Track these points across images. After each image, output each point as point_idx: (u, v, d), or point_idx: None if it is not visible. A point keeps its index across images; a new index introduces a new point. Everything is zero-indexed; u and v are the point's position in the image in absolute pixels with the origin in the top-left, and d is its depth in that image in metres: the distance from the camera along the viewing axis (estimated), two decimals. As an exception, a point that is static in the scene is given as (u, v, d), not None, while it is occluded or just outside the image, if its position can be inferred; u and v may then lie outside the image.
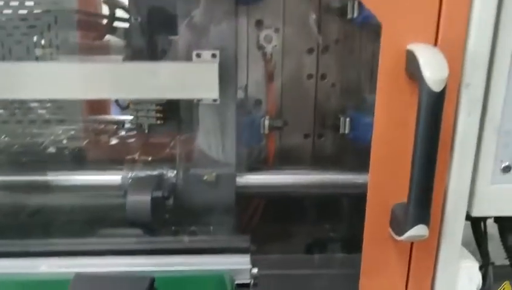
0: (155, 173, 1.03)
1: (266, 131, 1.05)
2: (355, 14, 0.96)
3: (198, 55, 0.94)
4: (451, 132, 0.75)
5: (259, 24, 1.04)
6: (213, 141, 1.04)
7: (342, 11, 0.99)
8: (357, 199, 0.83)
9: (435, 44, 0.71)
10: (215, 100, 0.93)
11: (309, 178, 1.05)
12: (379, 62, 0.72)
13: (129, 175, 1.02)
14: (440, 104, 0.66)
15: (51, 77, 0.90)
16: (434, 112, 0.66)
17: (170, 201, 0.99)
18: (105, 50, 1.18)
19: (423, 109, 0.66)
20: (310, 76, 1.09)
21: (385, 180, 0.77)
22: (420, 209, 0.71)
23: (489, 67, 0.74)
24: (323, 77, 1.09)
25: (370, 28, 0.99)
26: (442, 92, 0.65)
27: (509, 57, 0.74)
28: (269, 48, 1.04)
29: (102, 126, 1.33)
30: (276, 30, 1.04)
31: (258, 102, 1.10)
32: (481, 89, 0.73)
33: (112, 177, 1.03)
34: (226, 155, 1.04)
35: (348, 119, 1.04)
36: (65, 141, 1.24)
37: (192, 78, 0.90)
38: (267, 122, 1.05)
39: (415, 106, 0.69)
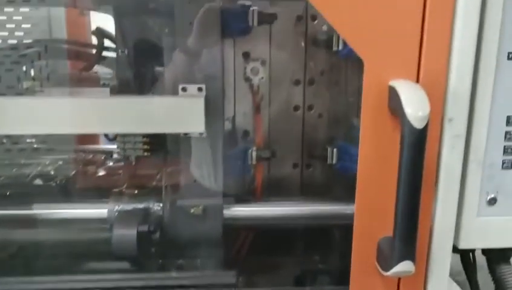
0: (141, 205, 1.02)
1: (254, 162, 1.05)
2: (340, 47, 0.97)
3: (184, 89, 0.94)
4: (435, 166, 0.75)
5: (246, 56, 1.06)
6: (200, 173, 1.04)
7: (328, 44, 1.01)
8: (346, 229, 0.83)
9: (417, 80, 0.72)
10: (201, 133, 0.93)
11: (297, 209, 1.05)
12: (362, 97, 0.73)
13: (116, 208, 1.01)
14: (422, 140, 0.66)
15: (37, 111, 0.90)
16: (417, 149, 0.67)
17: (157, 235, 0.98)
18: (92, 81, 1.19)
19: (406, 146, 0.67)
20: (297, 107, 1.10)
21: (371, 214, 0.77)
22: (406, 245, 0.70)
23: (471, 102, 0.74)
24: (310, 107, 1.09)
25: (356, 60, 1.00)
26: (424, 129, 0.66)
27: (491, 91, 0.76)
28: (255, 80, 1.05)
29: (90, 156, 1.33)
30: (263, 62, 1.05)
31: (246, 133, 1.10)
32: (464, 123, 0.74)
33: (98, 211, 1.02)
34: (213, 187, 1.03)
35: (335, 150, 1.04)
36: (52, 172, 1.23)
37: (178, 113, 0.90)
38: (254, 154, 1.05)
39: (398, 141, 0.70)
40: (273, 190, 1.11)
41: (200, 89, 0.94)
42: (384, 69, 0.72)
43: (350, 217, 0.82)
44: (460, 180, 0.77)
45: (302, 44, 1.05)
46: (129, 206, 1.02)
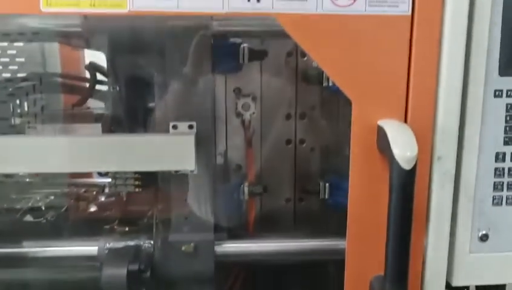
0: (132, 243, 1.01)
1: (246, 197, 1.05)
2: (330, 83, 0.98)
3: (175, 127, 0.94)
4: (425, 204, 0.75)
5: (237, 92, 1.07)
6: (191, 210, 1.04)
7: (318, 79, 1.02)
8: (340, 265, 0.83)
9: (405, 119, 0.73)
10: (192, 171, 0.93)
11: (290, 245, 1.04)
12: (350, 137, 0.73)
13: (106, 245, 1.00)
14: (411, 181, 0.67)
15: (28, 150, 0.90)
16: (405, 189, 0.67)
17: (147, 273, 0.97)
18: (85, 116, 1.19)
19: (395, 186, 0.67)
20: (288, 141, 1.10)
21: (363, 252, 0.77)
22: (397, 285, 0.70)
23: (459, 139, 0.75)
24: (302, 141, 1.10)
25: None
26: (413, 170, 0.66)
27: (479, 128, 0.76)
28: (247, 115, 1.06)
29: (82, 191, 1.32)
30: (254, 98, 1.06)
31: (238, 167, 1.10)
32: (453, 161, 0.75)
33: (89, 248, 1.00)
34: (204, 224, 1.02)
35: (327, 185, 1.04)
36: (43, 208, 1.22)
37: (169, 151, 0.90)
38: (246, 189, 1.04)
39: (387, 180, 0.70)
40: (266, 225, 1.10)
41: (190, 127, 0.94)
42: (372, 109, 0.72)
43: (343, 252, 0.82)
44: (451, 217, 0.76)
45: (293, 79, 1.07)
46: (120, 244, 1.00)
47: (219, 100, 1.06)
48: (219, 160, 1.09)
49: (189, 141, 0.89)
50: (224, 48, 1.00)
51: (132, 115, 1.07)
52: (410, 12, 0.70)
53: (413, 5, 0.70)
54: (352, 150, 0.73)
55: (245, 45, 0.99)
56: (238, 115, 1.07)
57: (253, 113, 1.06)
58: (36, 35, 1.04)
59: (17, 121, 1.09)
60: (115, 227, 1.07)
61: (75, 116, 1.18)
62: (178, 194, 1.03)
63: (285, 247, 1.04)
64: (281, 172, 1.11)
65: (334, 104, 1.08)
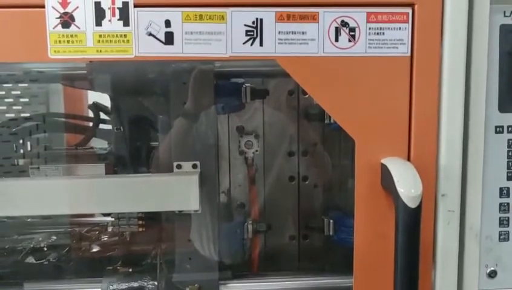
0: (135, 284, 0.99)
1: (250, 235, 1.04)
2: (332, 120, 0.99)
3: (179, 166, 0.95)
4: (431, 242, 0.75)
5: (240, 130, 1.07)
6: (195, 249, 1.03)
7: (320, 117, 1.03)
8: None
9: (408, 157, 0.73)
10: (196, 210, 0.93)
11: (295, 284, 1.03)
12: (355, 175, 0.74)
13: (109, 287, 0.99)
14: (417, 219, 0.67)
15: (30, 192, 0.90)
16: (412, 227, 0.67)
17: None
18: (88, 156, 1.19)
19: (401, 225, 0.67)
20: (291, 178, 1.10)
21: (369, 286, 0.76)
22: (407, 326, 0.69)
23: (463, 176, 0.75)
24: (305, 178, 1.10)
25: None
26: (418, 208, 0.66)
27: (481, 164, 0.77)
28: (249, 154, 1.07)
29: (85, 230, 1.31)
30: (257, 136, 1.07)
31: (242, 205, 1.10)
32: (457, 198, 0.75)
33: None
34: (208, 263, 1.02)
35: (331, 221, 1.04)
36: (45, 249, 1.21)
37: (172, 191, 0.90)
38: (250, 227, 1.04)
39: (393, 218, 0.70)
40: (271, 263, 1.09)
41: (194, 166, 0.95)
42: (375, 147, 0.73)
43: (350, 290, 0.81)
44: (458, 255, 0.76)
45: (295, 117, 1.08)
46: (123, 285, 0.99)
47: (222, 138, 1.07)
48: (223, 199, 1.09)
49: (193, 180, 0.89)
50: (226, 87, 1.01)
51: (135, 155, 1.07)
52: (409, 54, 0.72)
53: (412, 47, 0.72)
54: (356, 188, 0.74)
55: (247, 84, 1.00)
56: (241, 153, 1.07)
57: (257, 150, 1.07)
58: (40, 75, 1.05)
59: (21, 161, 1.10)
60: (118, 268, 1.06)
61: (78, 156, 1.18)
62: (181, 233, 1.02)
63: (291, 286, 1.02)
64: (285, 209, 1.11)
65: (336, 141, 1.09)
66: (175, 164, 0.94)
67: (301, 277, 1.03)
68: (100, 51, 0.69)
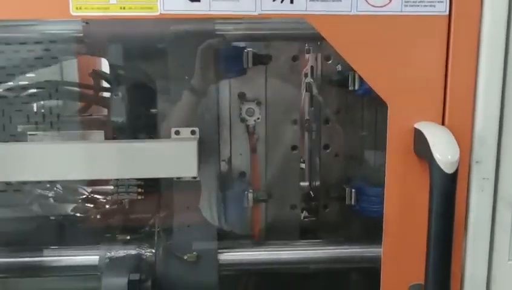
0: (133, 252, 0.97)
1: (250, 204, 1.02)
2: (356, 87, 0.96)
3: (177, 132, 0.91)
4: (464, 210, 0.73)
5: (241, 97, 1.03)
6: (194, 218, 1.01)
7: (343, 83, 1.00)
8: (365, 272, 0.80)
9: (442, 121, 0.71)
10: (194, 177, 0.90)
11: (295, 253, 1.00)
12: (386, 141, 0.71)
13: (107, 255, 0.95)
14: (453, 185, 0.64)
15: (28, 157, 0.86)
16: (447, 194, 0.65)
17: (149, 283, 0.92)
18: (88, 123, 1.16)
19: (436, 191, 0.65)
20: (294, 147, 1.07)
21: (399, 260, 0.75)
22: (439, 293, 0.67)
23: (498, 143, 0.72)
24: (326, 147, 1.08)
25: (373, 99, 0.99)
26: (455, 174, 0.64)
27: (517, 132, 0.74)
28: (251, 121, 1.03)
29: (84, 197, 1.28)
30: (259, 103, 1.03)
31: (243, 174, 1.06)
32: (492, 166, 0.72)
33: (90, 257, 0.97)
34: (207, 232, 0.99)
35: (353, 191, 1.02)
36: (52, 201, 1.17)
37: (170, 157, 0.87)
38: (250, 196, 1.01)
39: (426, 185, 0.68)
40: (272, 233, 1.06)
41: (193, 132, 0.91)
42: (409, 112, 0.70)
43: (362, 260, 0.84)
44: (490, 224, 0.74)
45: (299, 84, 1.04)
46: (121, 253, 0.96)
47: (223, 105, 1.03)
48: (224, 167, 1.05)
49: (191, 146, 0.85)
50: (227, 52, 0.97)
51: (134, 121, 1.03)
52: (447, 12, 0.68)
53: (451, 5, 0.68)
54: (388, 154, 0.71)
55: (249, 49, 0.96)
56: (242, 120, 1.03)
57: (258, 118, 1.03)
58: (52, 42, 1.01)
59: (20, 128, 1.06)
60: (117, 235, 1.03)
61: (79, 123, 1.14)
62: (180, 201, 0.99)
63: (290, 256, 1.00)
64: (287, 179, 1.07)
65: (359, 109, 1.06)
66: (173, 130, 0.91)
67: (302, 247, 1.02)
68: (124, 8, 0.65)
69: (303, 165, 1.34)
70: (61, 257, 0.99)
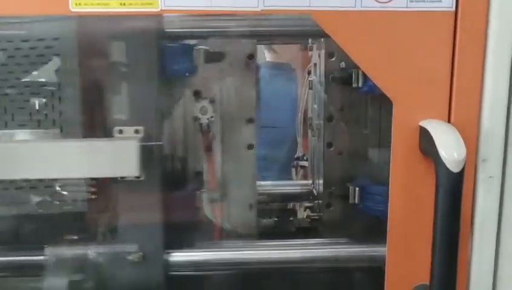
0: (78, 252, 0.95)
1: (204, 204, 1.01)
2: (360, 84, 0.95)
3: (121, 131, 0.89)
4: (470, 209, 0.71)
5: (195, 95, 1.01)
6: (139, 218, 0.97)
7: (347, 80, 0.99)
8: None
9: (448, 119, 0.69)
10: (138, 177, 0.87)
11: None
12: (391, 138, 0.70)
13: (52, 254, 0.94)
14: (459, 184, 0.63)
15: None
16: (454, 193, 0.63)
17: (91, 284, 0.92)
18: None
19: (442, 190, 0.63)
20: (250, 146, 1.05)
21: (404, 259, 0.74)
22: (444, 294, 0.66)
23: (505, 141, 0.71)
24: (329, 145, 1.06)
25: (377, 97, 0.97)
26: (461, 173, 0.62)
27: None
28: (204, 120, 1.01)
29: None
30: (212, 101, 1.01)
31: (198, 174, 1.05)
32: (499, 164, 0.71)
33: (34, 258, 0.95)
34: (153, 232, 0.95)
35: (357, 189, 1.01)
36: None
37: (111, 156, 0.85)
38: (204, 195, 1.01)
39: (431, 183, 0.67)
40: (227, 233, 1.06)
41: (137, 131, 0.89)
42: (414, 109, 0.69)
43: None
44: (496, 223, 0.73)
45: (253, 82, 1.02)
46: (67, 253, 0.95)
47: (177, 104, 1.01)
48: (178, 165, 1.04)
49: (132, 146, 0.83)
50: (176, 49, 0.96)
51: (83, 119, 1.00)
52: (453, 8, 0.67)
53: (457, 1, 0.67)
54: (393, 152, 0.70)
55: (200, 46, 0.95)
56: (196, 119, 1.01)
57: (212, 117, 1.01)
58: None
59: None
60: (64, 235, 1.00)
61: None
62: (126, 201, 0.95)
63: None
64: (243, 178, 1.05)
65: (363, 106, 1.04)
66: (116, 128, 0.89)
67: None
68: (124, 4, 0.64)
69: (306, 163, 1.33)
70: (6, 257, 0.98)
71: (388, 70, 0.68)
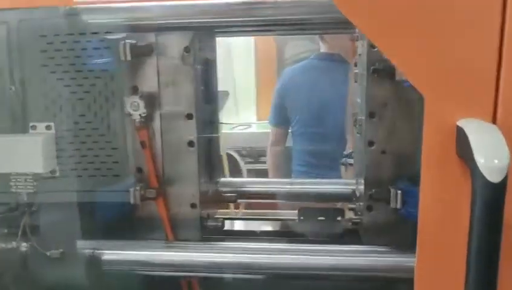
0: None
1: (138, 201, 0.99)
2: (404, 76, 0.86)
3: (34, 127, 0.92)
4: (515, 222, 0.61)
5: (133, 91, 0.99)
6: (61, 214, 0.99)
7: (390, 72, 0.90)
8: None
9: (493, 119, 0.59)
10: (52, 173, 0.90)
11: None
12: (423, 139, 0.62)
13: None
14: (500, 196, 0.54)
15: None
16: (492, 206, 0.54)
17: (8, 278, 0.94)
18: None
19: (479, 202, 0.55)
20: (191, 143, 1.01)
21: (435, 270, 0.65)
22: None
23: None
24: (371, 143, 0.98)
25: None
26: (503, 183, 0.53)
27: None
28: (136, 116, 0.98)
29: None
30: (143, 97, 0.97)
31: (139, 170, 1.03)
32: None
33: None
34: (73, 229, 0.97)
35: (399, 192, 0.92)
36: None
37: (19, 152, 0.89)
38: (137, 193, 0.98)
39: (467, 190, 0.58)
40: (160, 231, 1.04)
41: (48, 127, 0.91)
42: (450, 106, 0.60)
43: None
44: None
45: (191, 77, 0.98)
46: None
47: (112, 99, 0.98)
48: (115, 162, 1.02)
49: (37, 141, 0.87)
50: (96, 43, 0.92)
51: None
52: (501, -11, 0.57)
53: (506, -19, 0.57)
54: (424, 155, 0.62)
55: (127, 40, 0.90)
56: (128, 114, 0.99)
57: (144, 113, 0.97)
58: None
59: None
60: None
61: None
62: (47, 197, 0.97)
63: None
64: (185, 176, 1.03)
65: (408, 102, 0.94)
66: (30, 124, 0.91)
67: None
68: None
69: (351, 161, 1.26)
70: None
71: (420, 61, 0.60)
